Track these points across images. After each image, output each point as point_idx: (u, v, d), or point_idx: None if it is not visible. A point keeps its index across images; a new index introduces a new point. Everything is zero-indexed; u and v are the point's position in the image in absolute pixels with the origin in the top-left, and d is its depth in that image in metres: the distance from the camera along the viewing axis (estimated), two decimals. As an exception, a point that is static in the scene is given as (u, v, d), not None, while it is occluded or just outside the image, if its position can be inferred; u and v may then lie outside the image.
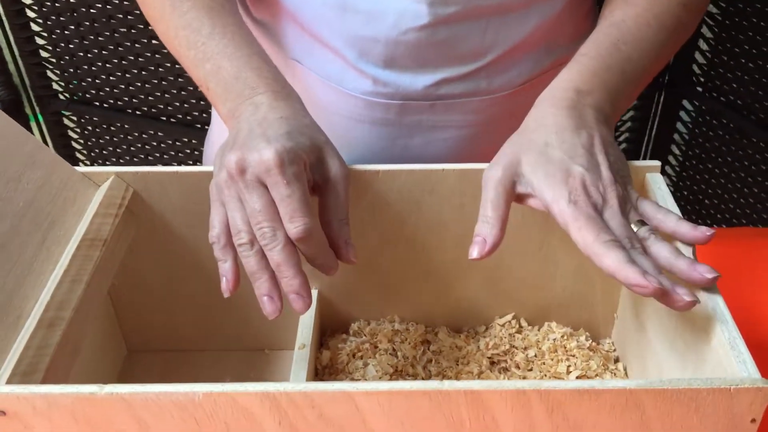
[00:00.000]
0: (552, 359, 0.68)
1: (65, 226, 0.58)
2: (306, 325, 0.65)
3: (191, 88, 1.29)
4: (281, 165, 0.53)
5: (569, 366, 0.67)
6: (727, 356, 0.47)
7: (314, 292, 0.68)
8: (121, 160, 1.43)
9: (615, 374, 0.67)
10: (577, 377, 0.66)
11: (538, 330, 0.70)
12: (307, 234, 0.52)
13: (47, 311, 0.51)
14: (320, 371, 0.67)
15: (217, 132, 0.88)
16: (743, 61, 1.11)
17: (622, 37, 0.64)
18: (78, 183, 0.61)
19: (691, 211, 1.33)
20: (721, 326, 0.48)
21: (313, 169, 0.56)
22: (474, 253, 0.53)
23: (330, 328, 0.72)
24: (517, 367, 0.67)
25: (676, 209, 0.57)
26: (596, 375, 0.66)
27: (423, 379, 0.67)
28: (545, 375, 0.66)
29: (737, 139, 1.18)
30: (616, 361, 0.69)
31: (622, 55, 0.62)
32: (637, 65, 0.63)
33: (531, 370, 0.67)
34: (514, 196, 0.56)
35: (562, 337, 0.69)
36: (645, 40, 0.64)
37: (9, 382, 0.47)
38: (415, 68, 0.71)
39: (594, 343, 0.70)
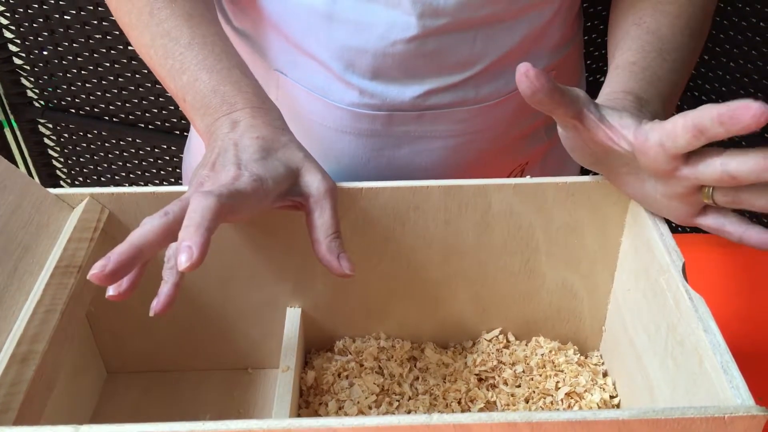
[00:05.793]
0: (540, 375, 0.67)
1: (38, 252, 0.56)
2: (290, 344, 0.64)
3: (169, 95, 1.27)
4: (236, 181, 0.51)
5: (558, 382, 0.66)
6: (720, 381, 0.46)
7: (298, 311, 0.67)
8: (98, 168, 1.41)
9: (604, 389, 0.66)
10: (566, 393, 0.65)
11: (526, 345, 0.69)
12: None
13: (20, 345, 0.49)
14: (305, 392, 0.65)
15: (196, 142, 0.86)
16: (724, 60, 1.10)
17: (664, 47, 0.63)
18: (51, 206, 0.59)
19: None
20: (713, 350, 0.47)
21: (291, 191, 0.55)
22: None
23: (314, 347, 0.70)
24: (505, 383, 0.66)
25: None
26: (585, 391, 0.65)
27: (410, 397, 0.65)
28: (534, 391, 0.65)
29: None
30: (605, 375, 0.68)
31: (668, 66, 0.62)
32: (681, 74, 0.64)
33: (519, 386, 0.66)
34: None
35: (550, 351, 0.68)
36: (683, 48, 0.64)
37: (-19, 422, 0.45)
38: (402, 79, 0.70)
39: (582, 357, 0.69)
